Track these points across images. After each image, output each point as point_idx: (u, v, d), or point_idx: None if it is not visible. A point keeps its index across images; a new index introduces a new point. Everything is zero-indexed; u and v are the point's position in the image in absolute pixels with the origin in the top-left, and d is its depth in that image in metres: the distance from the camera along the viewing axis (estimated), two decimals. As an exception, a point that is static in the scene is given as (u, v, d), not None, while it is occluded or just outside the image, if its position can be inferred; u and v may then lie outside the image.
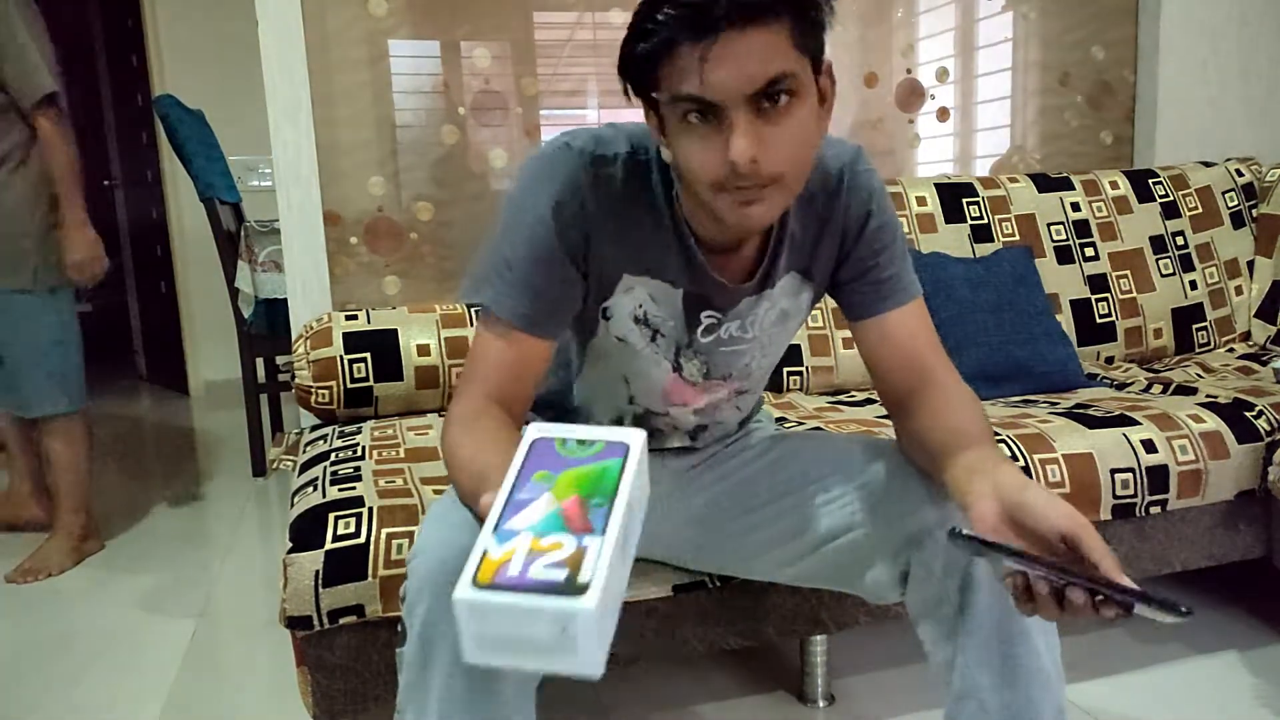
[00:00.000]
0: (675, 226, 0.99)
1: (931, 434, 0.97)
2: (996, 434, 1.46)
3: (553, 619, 0.53)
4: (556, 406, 1.19)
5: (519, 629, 0.53)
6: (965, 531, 0.78)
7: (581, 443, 0.65)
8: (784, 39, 0.83)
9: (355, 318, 1.77)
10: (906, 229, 2.04)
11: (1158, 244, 2.20)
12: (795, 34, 0.83)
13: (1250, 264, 2.26)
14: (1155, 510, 1.49)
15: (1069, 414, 1.56)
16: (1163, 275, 2.18)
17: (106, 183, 4.94)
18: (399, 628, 0.87)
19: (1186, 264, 2.21)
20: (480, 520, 0.79)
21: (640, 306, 1.03)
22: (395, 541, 1.17)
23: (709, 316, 1.05)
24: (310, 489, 1.30)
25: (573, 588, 0.53)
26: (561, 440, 0.65)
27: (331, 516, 1.19)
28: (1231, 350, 2.17)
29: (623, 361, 1.08)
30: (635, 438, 0.65)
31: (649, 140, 0.99)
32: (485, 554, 0.56)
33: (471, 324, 1.79)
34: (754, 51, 0.81)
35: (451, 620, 0.81)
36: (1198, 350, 2.19)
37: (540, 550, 0.56)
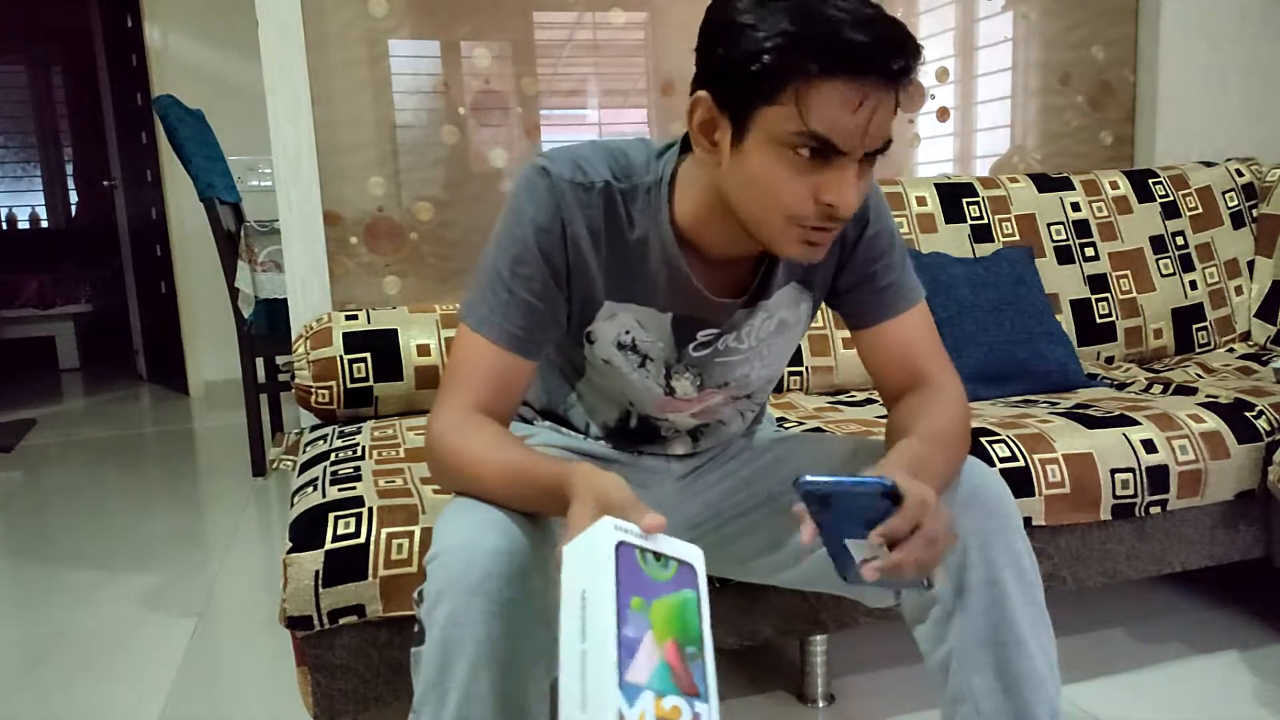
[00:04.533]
0: (664, 251, 0.98)
1: (898, 433, 0.99)
2: (995, 434, 1.46)
3: None
4: (558, 414, 1.19)
5: None
6: (808, 478, 0.80)
7: (657, 557, 0.70)
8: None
9: (355, 318, 1.77)
10: (906, 229, 2.03)
11: (1158, 244, 2.20)
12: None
13: (1250, 264, 2.26)
14: (1155, 510, 1.49)
15: (1069, 414, 1.56)
16: (1163, 275, 2.18)
17: (106, 183, 4.94)
18: (415, 628, 0.87)
19: (1186, 264, 2.21)
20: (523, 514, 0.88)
21: (627, 333, 1.03)
22: (395, 541, 1.17)
23: (705, 334, 1.05)
24: (310, 489, 1.30)
25: None
26: (641, 552, 0.70)
27: (331, 516, 1.19)
28: (1231, 350, 2.17)
29: (611, 381, 1.09)
30: (697, 560, 0.72)
31: (632, 164, 0.98)
32: (621, 715, 0.61)
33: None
34: (892, 110, 0.83)
35: (476, 621, 0.82)
36: (1198, 350, 2.19)
37: (665, 717, 0.62)
